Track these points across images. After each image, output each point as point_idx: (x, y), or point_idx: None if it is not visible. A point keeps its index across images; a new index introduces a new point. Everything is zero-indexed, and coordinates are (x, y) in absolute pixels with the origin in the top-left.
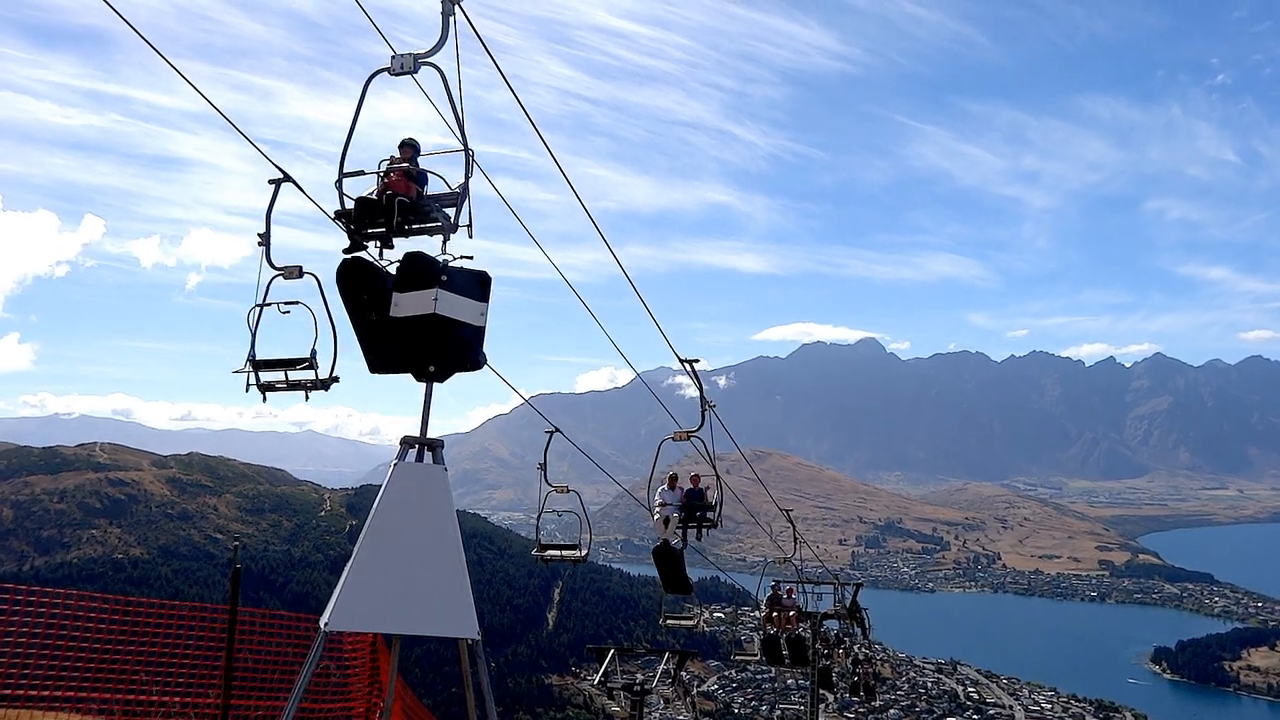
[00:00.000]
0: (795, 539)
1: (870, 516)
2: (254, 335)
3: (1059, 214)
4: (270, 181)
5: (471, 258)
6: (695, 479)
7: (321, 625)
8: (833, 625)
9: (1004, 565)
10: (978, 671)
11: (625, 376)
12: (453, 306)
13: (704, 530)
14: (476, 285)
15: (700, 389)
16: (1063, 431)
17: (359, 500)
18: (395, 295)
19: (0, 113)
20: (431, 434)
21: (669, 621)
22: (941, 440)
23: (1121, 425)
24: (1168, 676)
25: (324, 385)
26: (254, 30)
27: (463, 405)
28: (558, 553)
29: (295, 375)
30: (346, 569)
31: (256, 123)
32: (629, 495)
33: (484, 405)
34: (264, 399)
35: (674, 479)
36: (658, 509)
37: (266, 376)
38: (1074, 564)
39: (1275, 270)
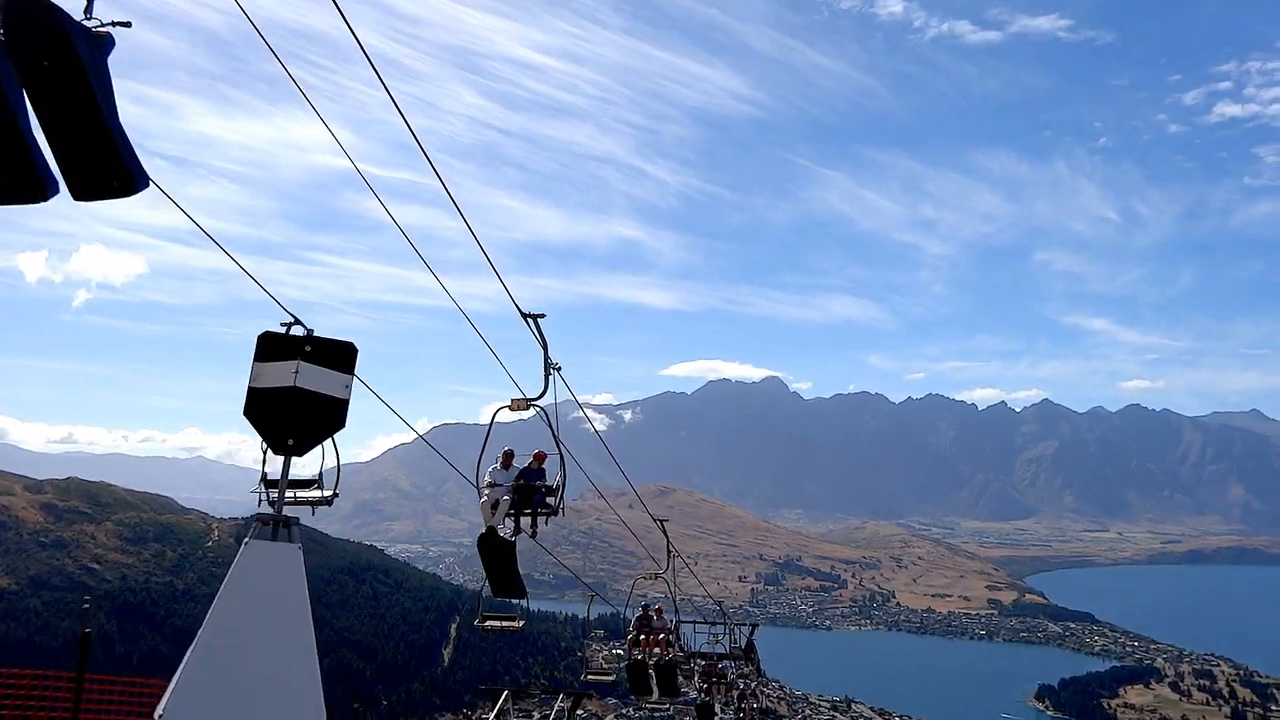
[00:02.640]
0: (670, 553)
1: (770, 554)
2: (265, 456)
3: (954, 261)
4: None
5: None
6: (539, 457)
7: (157, 716)
8: (728, 665)
9: (898, 603)
10: (871, 709)
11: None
12: (315, 379)
13: (541, 519)
14: (341, 357)
15: (544, 345)
16: (956, 473)
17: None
18: (255, 365)
19: None
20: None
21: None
22: (841, 479)
23: (1011, 468)
24: (1050, 714)
25: (327, 502)
26: (157, 43)
27: (364, 434)
28: (498, 624)
29: (303, 495)
30: (187, 655)
31: (157, 137)
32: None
33: (385, 434)
34: None
35: (509, 456)
36: (485, 491)
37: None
38: (965, 603)
39: (1151, 323)
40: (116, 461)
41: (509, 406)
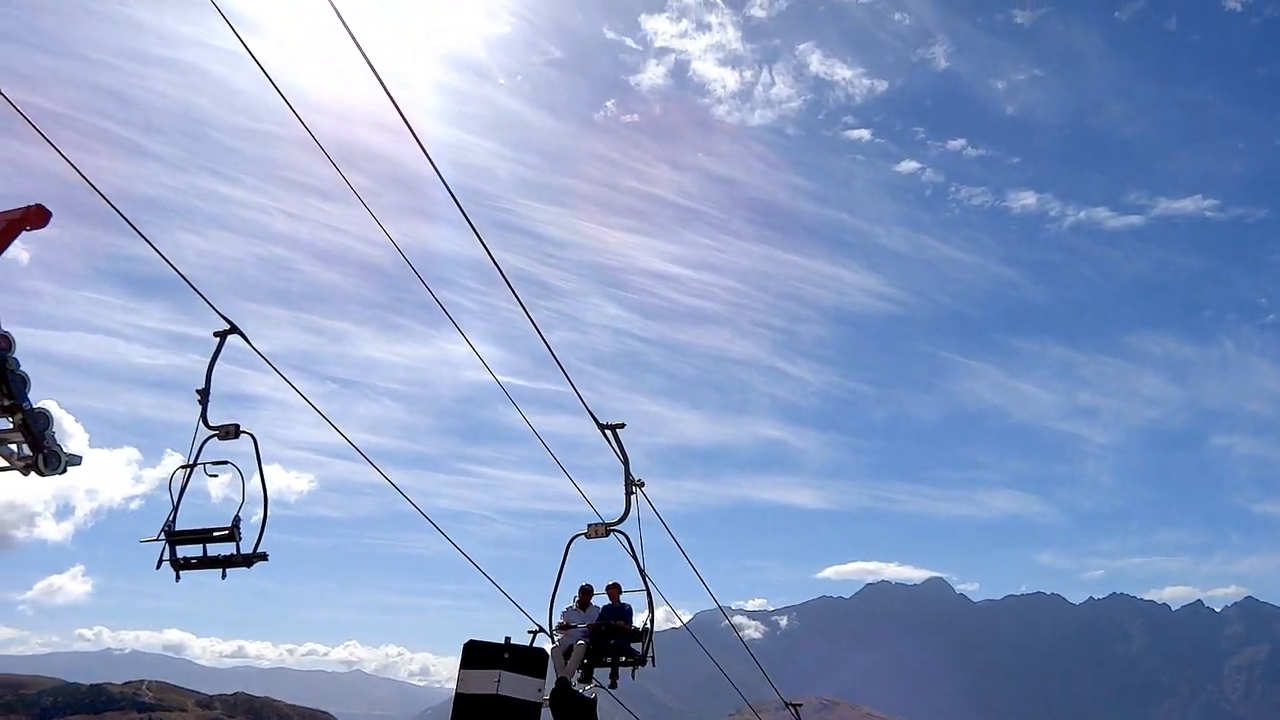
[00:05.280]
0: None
1: None
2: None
3: (1121, 450)
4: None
5: None
6: (614, 590)
7: None
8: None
9: None
10: None
11: (683, 616)
12: (514, 686)
13: (627, 670)
14: (534, 663)
15: (625, 460)
16: (1155, 682)
17: None
18: (461, 672)
19: (94, 355)
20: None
21: None
22: (1025, 689)
23: (1219, 676)
24: None
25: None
26: (329, 278)
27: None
28: (197, 548)
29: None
30: None
31: (329, 362)
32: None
33: None
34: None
35: (587, 592)
36: (558, 636)
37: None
38: None
39: None
40: (281, 675)
41: (585, 534)
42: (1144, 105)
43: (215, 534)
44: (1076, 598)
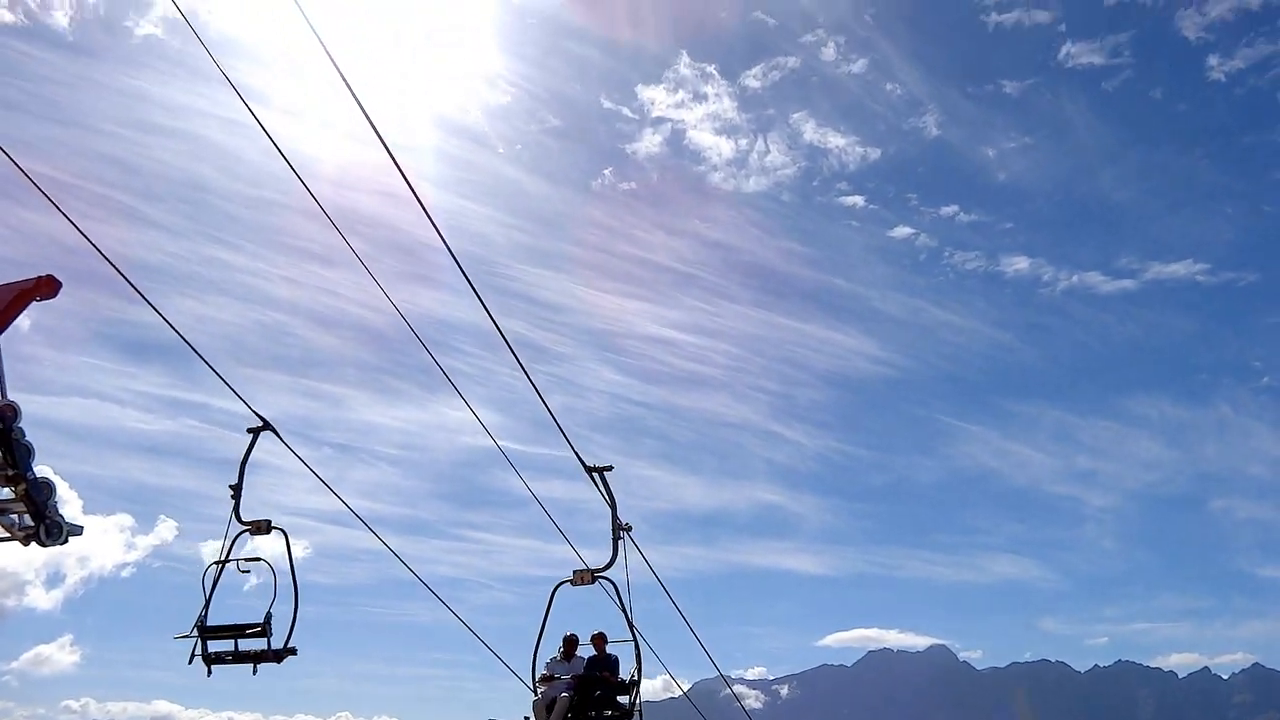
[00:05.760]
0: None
1: None
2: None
3: (1120, 513)
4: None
5: None
6: (599, 640)
7: None
8: None
9: None
10: None
11: (683, 684)
12: None
13: None
14: None
15: (612, 503)
16: None
17: None
18: None
19: (87, 420)
20: None
21: None
22: None
23: None
24: None
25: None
26: (327, 342)
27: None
28: (228, 643)
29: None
30: None
31: (325, 427)
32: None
33: None
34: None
35: (571, 643)
36: (541, 688)
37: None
38: None
39: None
40: None
41: (570, 581)
42: (1133, 172)
43: (247, 630)
44: (1082, 665)
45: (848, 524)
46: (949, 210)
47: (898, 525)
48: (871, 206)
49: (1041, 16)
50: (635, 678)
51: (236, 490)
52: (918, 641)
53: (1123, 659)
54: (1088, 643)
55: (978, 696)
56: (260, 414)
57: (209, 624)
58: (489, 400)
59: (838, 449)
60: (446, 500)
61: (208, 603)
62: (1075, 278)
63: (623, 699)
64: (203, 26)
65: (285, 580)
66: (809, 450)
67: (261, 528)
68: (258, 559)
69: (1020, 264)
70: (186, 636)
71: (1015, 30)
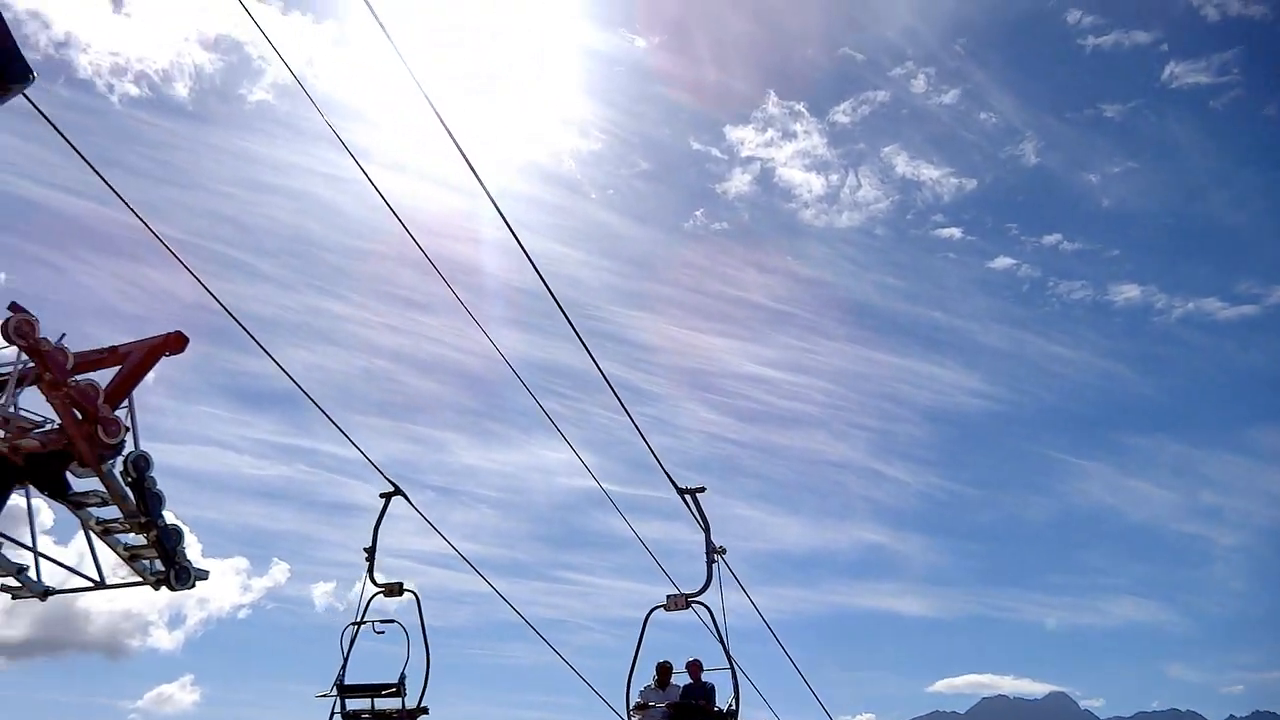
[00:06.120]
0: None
1: None
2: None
3: (1251, 553)
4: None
5: None
6: (695, 667)
7: None
8: None
9: None
10: None
11: None
12: None
13: None
14: None
15: (706, 526)
16: None
17: None
18: None
19: (205, 466)
20: None
21: None
22: None
23: None
24: None
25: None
26: (428, 387)
27: None
28: (366, 703)
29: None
30: None
31: (427, 470)
32: None
33: None
34: None
35: (665, 670)
36: (635, 717)
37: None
38: None
39: None
40: None
41: (664, 606)
42: (1247, 192)
43: (383, 690)
44: (1216, 716)
45: (956, 564)
46: (1052, 239)
47: (1009, 565)
48: (969, 238)
49: (1141, 37)
50: (734, 706)
51: (370, 553)
52: (1035, 689)
53: (1260, 709)
54: (1222, 691)
55: None
56: (392, 480)
57: (347, 683)
58: (585, 441)
59: (942, 486)
60: (544, 542)
61: (345, 662)
62: (1191, 305)
63: None
64: (310, 89)
65: (417, 638)
66: (912, 488)
67: (394, 590)
68: (392, 620)
69: (1130, 292)
70: (327, 695)
71: (1114, 52)
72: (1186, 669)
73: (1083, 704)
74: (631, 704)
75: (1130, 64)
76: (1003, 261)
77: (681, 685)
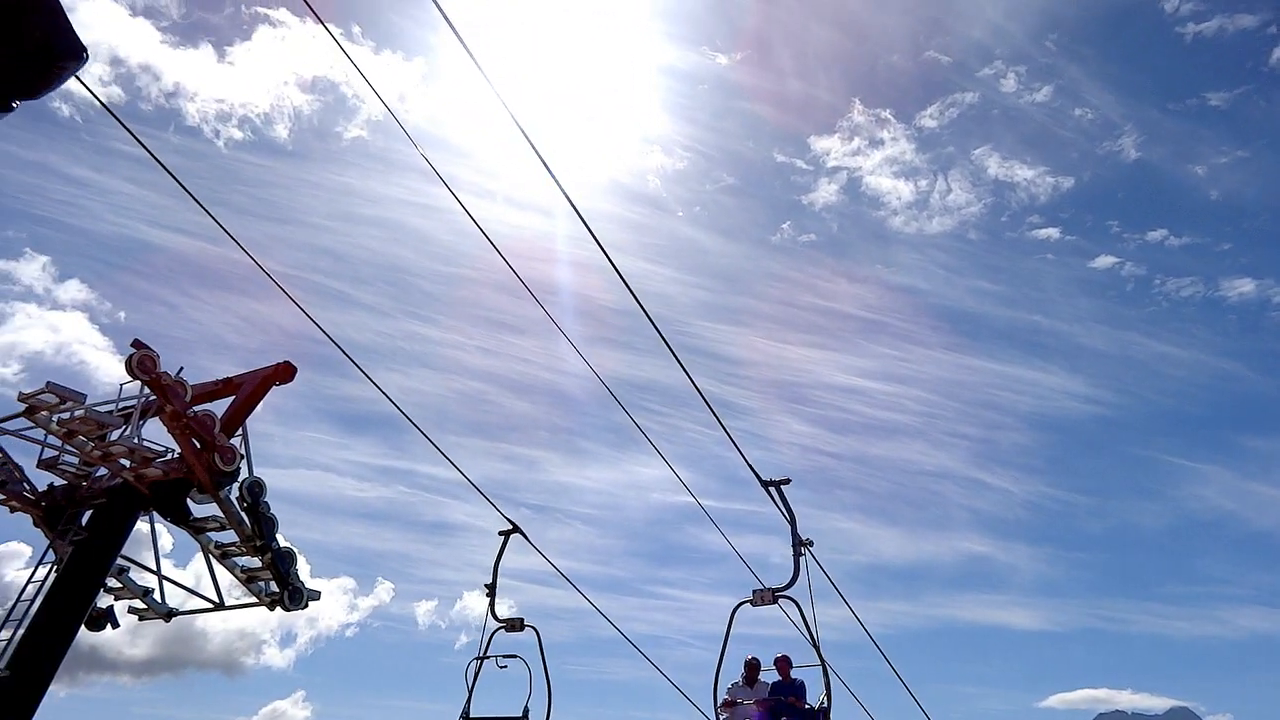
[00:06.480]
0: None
1: None
2: (471, 691)
3: None
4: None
5: None
6: (783, 664)
7: None
8: None
9: None
10: None
11: None
12: None
13: None
14: None
15: (791, 518)
16: None
17: None
18: None
19: (311, 489)
20: None
21: None
22: None
23: None
24: None
25: None
26: (520, 407)
27: None
28: None
29: None
30: None
31: (522, 489)
32: None
33: None
34: None
35: (753, 667)
36: (723, 715)
37: None
38: None
39: None
40: None
41: (750, 601)
42: None
43: None
44: None
45: (1065, 575)
46: (1157, 235)
47: (1123, 576)
48: (1068, 238)
49: (1247, 21)
50: (825, 704)
51: (491, 590)
52: (1155, 704)
53: None
54: None
55: None
56: (510, 518)
57: (472, 715)
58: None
59: (1049, 494)
60: (640, 557)
61: (470, 695)
62: None
63: None
64: (403, 122)
65: (538, 670)
66: (1017, 497)
67: (515, 626)
68: (515, 656)
69: (1244, 286)
70: None
71: (1217, 39)
72: None
73: (1207, 719)
74: (719, 701)
75: (1235, 49)
76: (1104, 260)
77: (770, 683)
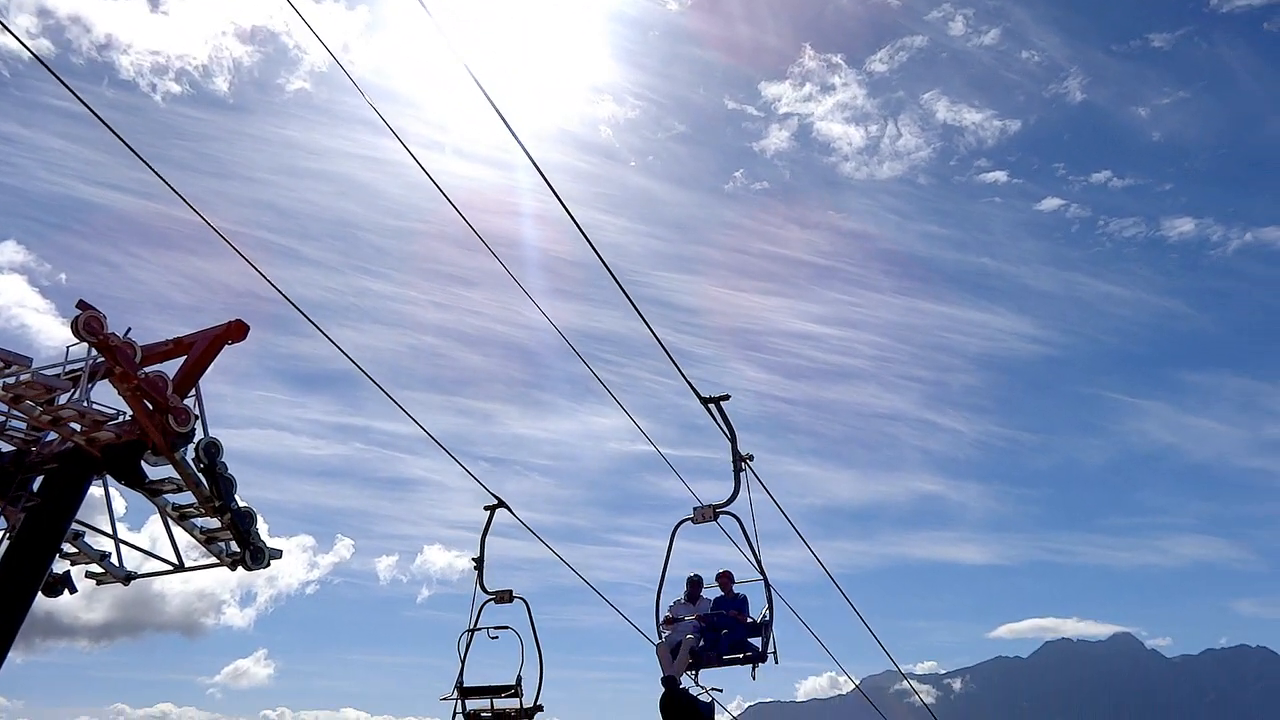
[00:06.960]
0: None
1: None
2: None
3: None
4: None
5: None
6: (725, 579)
7: None
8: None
9: None
10: None
11: (849, 681)
12: None
13: (744, 667)
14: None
15: (732, 434)
16: None
17: None
18: None
19: (266, 449)
20: None
21: None
22: None
23: None
24: None
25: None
26: (476, 361)
27: None
28: (485, 702)
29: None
30: None
31: (479, 442)
32: None
33: None
34: None
35: (695, 584)
36: (665, 631)
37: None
38: None
39: None
40: None
41: (691, 519)
42: None
43: (502, 691)
44: None
45: (1014, 510)
46: (1101, 177)
47: (1068, 509)
48: (1015, 181)
49: None
50: (767, 616)
51: (479, 563)
52: (1099, 630)
53: None
54: None
55: (1169, 686)
56: (495, 494)
57: (466, 685)
58: (635, 407)
59: (998, 434)
60: (599, 506)
61: (463, 667)
62: (1249, 235)
63: (754, 640)
64: (349, 72)
65: (529, 640)
66: (967, 437)
67: (504, 598)
68: (506, 627)
69: (1185, 226)
70: (449, 698)
71: None
72: (1256, 605)
73: (1149, 644)
74: (660, 619)
75: None
76: (1051, 203)
77: (712, 599)
